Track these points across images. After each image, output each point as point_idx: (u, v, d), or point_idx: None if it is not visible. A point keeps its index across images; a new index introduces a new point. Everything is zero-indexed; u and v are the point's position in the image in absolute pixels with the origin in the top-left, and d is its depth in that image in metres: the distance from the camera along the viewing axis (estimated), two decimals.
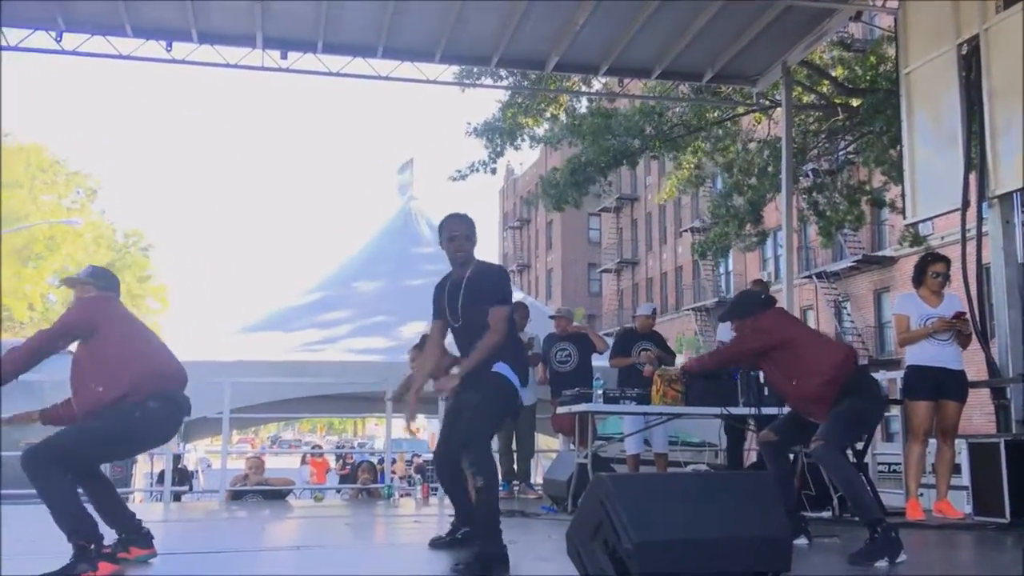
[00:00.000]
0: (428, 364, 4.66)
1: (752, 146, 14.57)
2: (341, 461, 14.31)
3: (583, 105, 14.88)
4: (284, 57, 9.22)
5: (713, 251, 15.69)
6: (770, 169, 13.79)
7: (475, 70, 12.09)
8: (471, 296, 4.35)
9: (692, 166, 15.53)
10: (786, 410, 5.30)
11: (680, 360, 8.40)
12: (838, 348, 4.99)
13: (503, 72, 12.35)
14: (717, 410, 6.65)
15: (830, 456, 4.45)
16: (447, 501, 7.91)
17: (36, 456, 3.97)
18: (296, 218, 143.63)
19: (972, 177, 7.10)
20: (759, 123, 14.50)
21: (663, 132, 14.10)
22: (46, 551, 4.42)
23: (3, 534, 5.21)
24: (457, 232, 4.40)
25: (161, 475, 9.28)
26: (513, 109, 13.99)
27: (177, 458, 11.06)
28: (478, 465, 4.04)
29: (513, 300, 4.79)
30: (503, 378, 4.25)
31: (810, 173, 16.11)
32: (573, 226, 50.04)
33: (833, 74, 13.49)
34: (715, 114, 14.06)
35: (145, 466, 13.67)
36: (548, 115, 14.67)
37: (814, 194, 14.89)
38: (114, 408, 4.09)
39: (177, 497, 9.99)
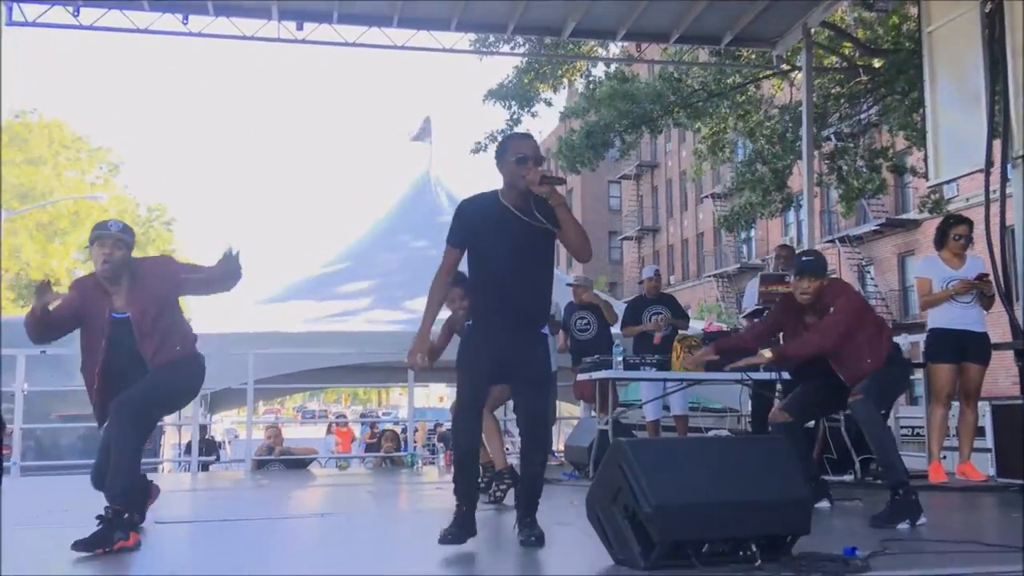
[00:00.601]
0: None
1: (774, 112, 14.40)
2: (370, 430, 14.45)
3: (600, 70, 14.76)
4: (300, 28, 9.19)
5: (739, 222, 15.48)
6: (788, 135, 13.65)
7: (491, 38, 12.01)
8: (538, 227, 3.70)
9: (713, 134, 15.32)
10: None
11: (699, 325, 8.31)
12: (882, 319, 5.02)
13: (520, 39, 12.26)
14: (738, 375, 6.64)
15: (869, 410, 4.45)
16: None
17: (132, 403, 4.02)
18: (316, 190, 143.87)
19: (995, 138, 7.00)
20: (779, 90, 14.34)
21: (683, 98, 13.97)
22: (80, 521, 4.51)
23: (29, 503, 5.32)
24: (528, 153, 3.73)
25: (188, 446, 9.41)
26: (530, 75, 13.90)
27: (204, 429, 11.22)
28: (548, 441, 4.00)
29: None
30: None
31: (832, 137, 15.93)
32: (593, 194, 49.80)
33: (855, 35, 13.28)
34: (735, 79, 13.90)
35: (173, 437, 13.87)
36: (565, 82, 14.56)
37: (836, 160, 14.71)
38: (191, 360, 4.27)
39: (204, 467, 10.14)
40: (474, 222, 3.77)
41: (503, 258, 3.71)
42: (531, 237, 3.71)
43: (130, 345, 4.18)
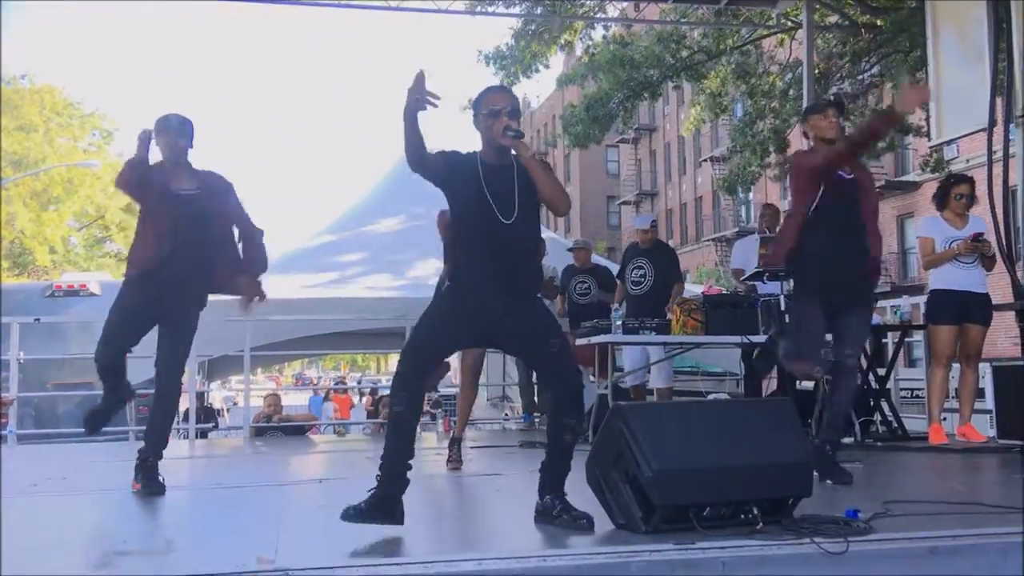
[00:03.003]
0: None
1: (774, 69, 14.23)
2: (370, 397, 14.46)
3: (599, 34, 14.58)
4: None
5: (739, 184, 15.27)
6: (791, 92, 13.49)
7: None
8: (525, 182, 3.47)
9: (713, 93, 15.14)
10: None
11: (698, 288, 8.20)
12: None
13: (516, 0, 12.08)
14: (737, 339, 6.62)
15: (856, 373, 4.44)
16: (469, 435, 8.01)
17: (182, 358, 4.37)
18: (312, 155, 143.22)
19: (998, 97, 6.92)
20: (783, 44, 14.12)
21: (682, 60, 13.80)
22: (77, 488, 4.49)
23: (32, 470, 5.29)
24: (501, 105, 3.49)
25: (186, 413, 9.41)
26: (526, 37, 13.71)
27: (201, 396, 11.21)
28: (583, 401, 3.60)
29: None
30: None
31: (833, 98, 15.75)
32: (591, 159, 49.55)
33: None
34: (734, 39, 13.72)
35: None
36: (563, 43, 14.38)
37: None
38: None
39: (203, 434, 10.14)
40: (456, 171, 3.50)
41: (487, 216, 3.44)
42: (505, 200, 3.45)
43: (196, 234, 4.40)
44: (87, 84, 71.16)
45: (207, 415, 11.24)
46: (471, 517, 4.11)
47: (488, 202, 3.43)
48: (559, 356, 3.45)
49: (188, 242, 4.40)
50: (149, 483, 4.32)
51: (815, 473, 4.18)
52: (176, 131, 4.46)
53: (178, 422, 12.24)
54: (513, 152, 3.48)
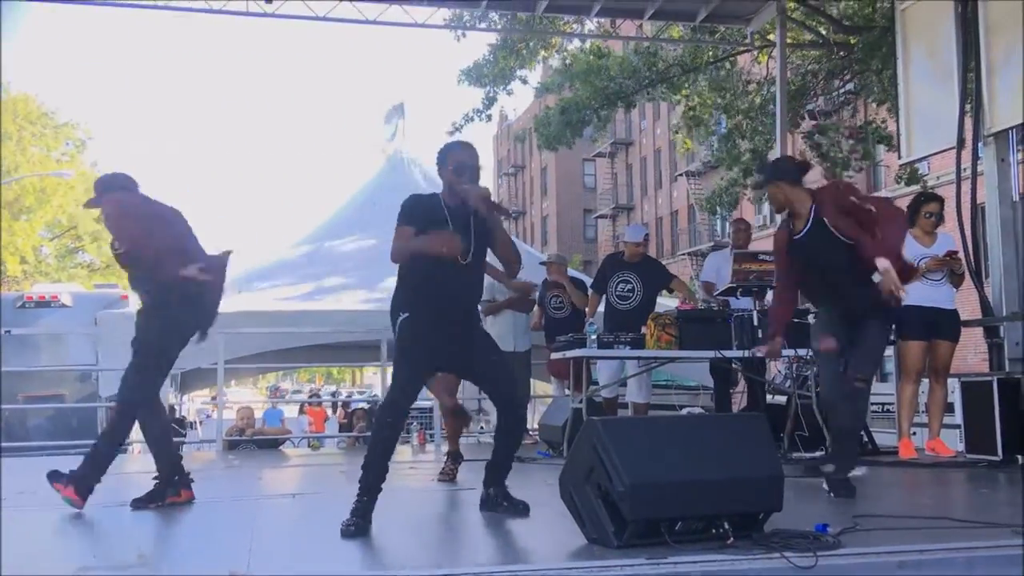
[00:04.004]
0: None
1: (751, 87, 14.36)
2: (342, 410, 14.36)
3: (575, 45, 14.65)
4: (269, 1, 9.04)
5: (722, 203, 15.24)
6: (771, 107, 13.62)
7: (465, 15, 11.87)
8: (480, 223, 3.92)
9: (690, 109, 15.19)
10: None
11: (672, 303, 8.22)
12: None
13: (495, 15, 12.14)
14: (711, 354, 6.65)
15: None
16: (444, 447, 7.99)
17: None
18: (285, 169, 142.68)
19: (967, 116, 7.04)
20: (762, 62, 14.27)
21: (658, 73, 13.89)
22: (47, 502, 4.45)
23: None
24: (471, 163, 3.97)
25: None
26: (504, 52, 13.78)
27: (172, 409, 11.10)
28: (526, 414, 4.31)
29: None
30: None
31: (806, 115, 15.90)
32: (568, 172, 49.79)
33: (830, 12, 13.25)
34: (712, 54, 13.85)
35: None
36: (540, 57, 14.44)
37: (816, 136, 14.68)
38: None
39: None
40: (426, 215, 3.88)
41: (439, 257, 3.76)
42: (476, 234, 3.88)
43: None
44: (63, 93, 70.64)
45: (179, 427, 11.14)
46: (444, 530, 4.11)
47: (467, 240, 3.81)
48: (498, 366, 3.99)
49: None
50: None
51: (827, 489, 4.36)
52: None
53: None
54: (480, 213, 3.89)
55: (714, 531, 3.13)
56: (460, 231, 3.82)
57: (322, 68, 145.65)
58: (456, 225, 3.84)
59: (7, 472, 6.71)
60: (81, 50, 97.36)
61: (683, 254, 39.31)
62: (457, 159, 3.94)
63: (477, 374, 4.12)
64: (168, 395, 8.52)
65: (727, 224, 36.85)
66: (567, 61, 14.17)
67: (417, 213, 3.88)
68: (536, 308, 8.46)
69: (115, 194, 4.60)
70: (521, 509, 3.93)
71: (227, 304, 10.03)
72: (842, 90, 15.31)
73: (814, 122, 15.10)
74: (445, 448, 6.21)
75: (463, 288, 3.92)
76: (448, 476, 5.61)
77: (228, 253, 4.80)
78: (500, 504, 3.98)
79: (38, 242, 30.39)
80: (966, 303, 6.62)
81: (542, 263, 8.98)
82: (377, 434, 3.85)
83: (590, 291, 7.99)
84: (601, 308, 7.78)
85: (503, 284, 6.99)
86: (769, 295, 7.04)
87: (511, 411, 4.03)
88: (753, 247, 8.15)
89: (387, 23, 9.62)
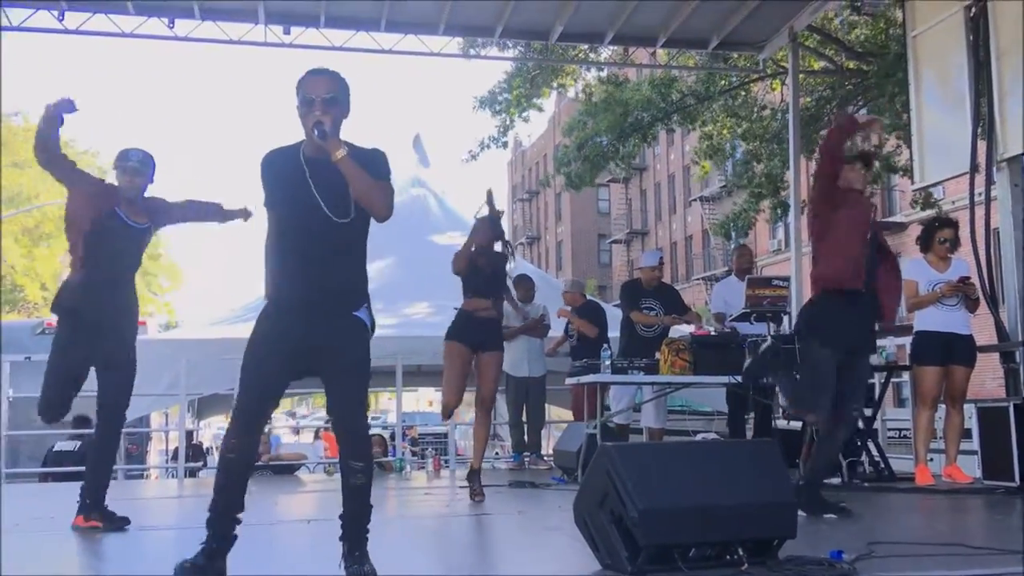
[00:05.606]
0: None
1: (766, 113, 14.40)
2: None
3: (592, 76, 14.78)
4: (287, 32, 9.17)
5: (734, 227, 15.26)
6: (786, 134, 13.65)
7: (479, 41, 11.99)
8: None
9: (710, 136, 15.21)
10: None
11: (687, 328, 8.16)
12: None
13: (509, 43, 12.26)
14: (725, 379, 6.64)
15: None
16: (459, 473, 7.99)
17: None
18: None
19: (981, 140, 7.04)
20: (776, 89, 14.32)
21: (673, 103, 13.97)
22: (64, 528, 4.48)
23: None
24: (318, 94, 3.07)
25: (175, 452, 9.36)
26: (519, 79, 13.90)
27: (190, 435, 11.15)
28: (369, 443, 3.23)
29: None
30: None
31: (820, 140, 15.91)
32: (583, 198, 49.69)
33: (844, 39, 13.31)
34: (725, 82, 13.92)
35: (160, 443, 13.81)
36: (555, 85, 14.55)
37: None
38: None
39: (192, 473, 10.08)
40: (283, 177, 3.11)
41: (304, 222, 3.07)
42: (337, 197, 3.05)
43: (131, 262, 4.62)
44: (78, 123, 71.47)
45: (196, 454, 11.19)
46: (457, 556, 4.11)
47: (308, 206, 3.04)
48: (346, 388, 3.09)
49: (129, 269, 4.68)
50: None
51: (801, 513, 4.27)
52: (134, 169, 4.64)
53: (166, 461, 12.22)
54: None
55: (728, 557, 3.14)
56: (333, 186, 3.03)
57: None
58: (325, 179, 3.04)
59: (25, 497, 6.77)
60: (100, 79, 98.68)
61: (697, 279, 39.25)
62: (306, 89, 3.08)
63: (325, 380, 3.16)
64: (185, 420, 8.57)
65: None
66: (588, 92, 14.27)
67: (268, 176, 3.12)
68: (561, 335, 8.55)
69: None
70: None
71: (244, 330, 10.17)
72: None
73: None
74: (458, 473, 6.24)
75: (322, 268, 3.06)
76: (480, 495, 5.64)
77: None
78: (348, 563, 3.03)
79: (58, 269, 30.66)
80: (983, 329, 6.60)
81: (564, 293, 8.93)
82: (220, 458, 3.18)
83: (632, 312, 7.75)
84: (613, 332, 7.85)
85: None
86: (785, 320, 7.06)
87: (349, 447, 3.12)
88: (768, 272, 8.16)
89: (403, 52, 9.74)
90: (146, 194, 4.72)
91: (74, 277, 4.52)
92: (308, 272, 3.07)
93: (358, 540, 3.05)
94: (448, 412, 6.12)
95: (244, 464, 3.12)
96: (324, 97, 3.06)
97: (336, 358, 3.07)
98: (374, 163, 3.09)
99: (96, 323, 4.42)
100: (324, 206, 3.03)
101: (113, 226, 4.52)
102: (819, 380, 4.60)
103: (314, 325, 3.05)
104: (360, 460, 3.07)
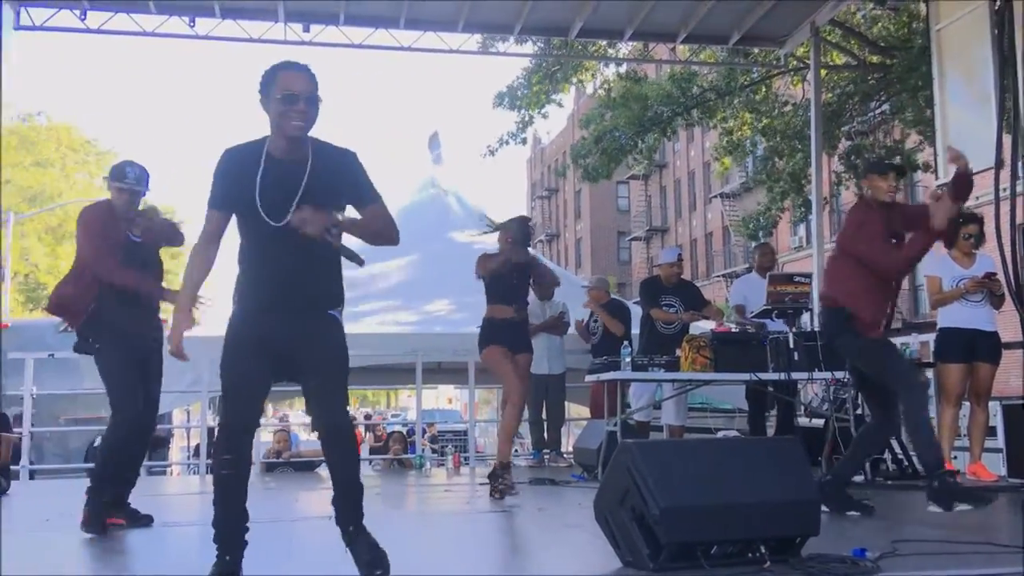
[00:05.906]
0: (194, 275, 3.15)
1: (787, 109, 14.31)
2: (372, 434, 14.45)
3: (611, 72, 14.76)
4: (307, 30, 9.22)
5: (760, 228, 15.13)
6: (808, 130, 13.57)
7: (499, 38, 11.99)
8: (320, 185, 2.99)
9: (730, 131, 15.10)
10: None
11: (708, 324, 8.10)
12: None
13: (528, 39, 12.24)
14: (747, 376, 6.61)
15: None
16: (479, 470, 8.00)
17: None
18: None
19: (1005, 135, 6.97)
20: (797, 85, 14.22)
21: (693, 98, 13.92)
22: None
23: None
24: (297, 88, 2.96)
25: (197, 449, 9.42)
26: (539, 75, 13.88)
27: (211, 432, 11.21)
28: (355, 444, 3.23)
29: None
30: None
31: (849, 135, 15.79)
32: (602, 195, 49.79)
33: (867, 33, 13.20)
34: (746, 78, 13.85)
35: (181, 440, 13.90)
36: (575, 81, 14.52)
37: (852, 157, 14.58)
38: None
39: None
40: (232, 176, 2.99)
41: (250, 223, 2.99)
42: (282, 201, 2.94)
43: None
44: (100, 122, 72.21)
45: None
46: (478, 553, 4.11)
47: (255, 202, 2.94)
48: (325, 380, 3.04)
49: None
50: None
51: (824, 509, 4.26)
52: (131, 189, 4.66)
53: (188, 457, 12.31)
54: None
55: (750, 555, 3.12)
56: (282, 188, 2.93)
57: (357, 96, 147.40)
58: (276, 180, 2.94)
59: (48, 494, 6.84)
60: (121, 78, 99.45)
61: (717, 276, 39.10)
62: (287, 84, 2.96)
63: (303, 381, 3.12)
64: (207, 417, 8.63)
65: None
66: (607, 88, 14.23)
67: (222, 177, 3.01)
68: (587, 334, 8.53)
69: None
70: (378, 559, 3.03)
71: None
72: (875, 112, 15.18)
73: (849, 142, 14.98)
74: (479, 470, 6.23)
75: (293, 269, 2.98)
76: (511, 490, 5.56)
77: None
78: (354, 544, 3.14)
79: None
80: (1008, 325, 6.53)
81: (583, 286, 8.94)
82: (215, 477, 3.05)
83: (652, 309, 7.69)
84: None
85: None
86: (805, 317, 7.01)
87: (329, 446, 3.15)
88: (789, 269, 8.11)
89: (422, 49, 9.75)
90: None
91: (106, 305, 4.59)
92: (264, 275, 3.02)
93: (357, 514, 3.12)
94: (520, 409, 5.93)
95: (240, 478, 3.02)
96: (308, 95, 2.98)
97: (312, 351, 3.02)
98: (354, 176, 3.07)
99: (140, 340, 4.58)
100: (260, 208, 2.93)
101: (129, 248, 4.67)
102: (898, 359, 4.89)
103: (282, 325, 2.99)
104: (345, 458, 3.12)
